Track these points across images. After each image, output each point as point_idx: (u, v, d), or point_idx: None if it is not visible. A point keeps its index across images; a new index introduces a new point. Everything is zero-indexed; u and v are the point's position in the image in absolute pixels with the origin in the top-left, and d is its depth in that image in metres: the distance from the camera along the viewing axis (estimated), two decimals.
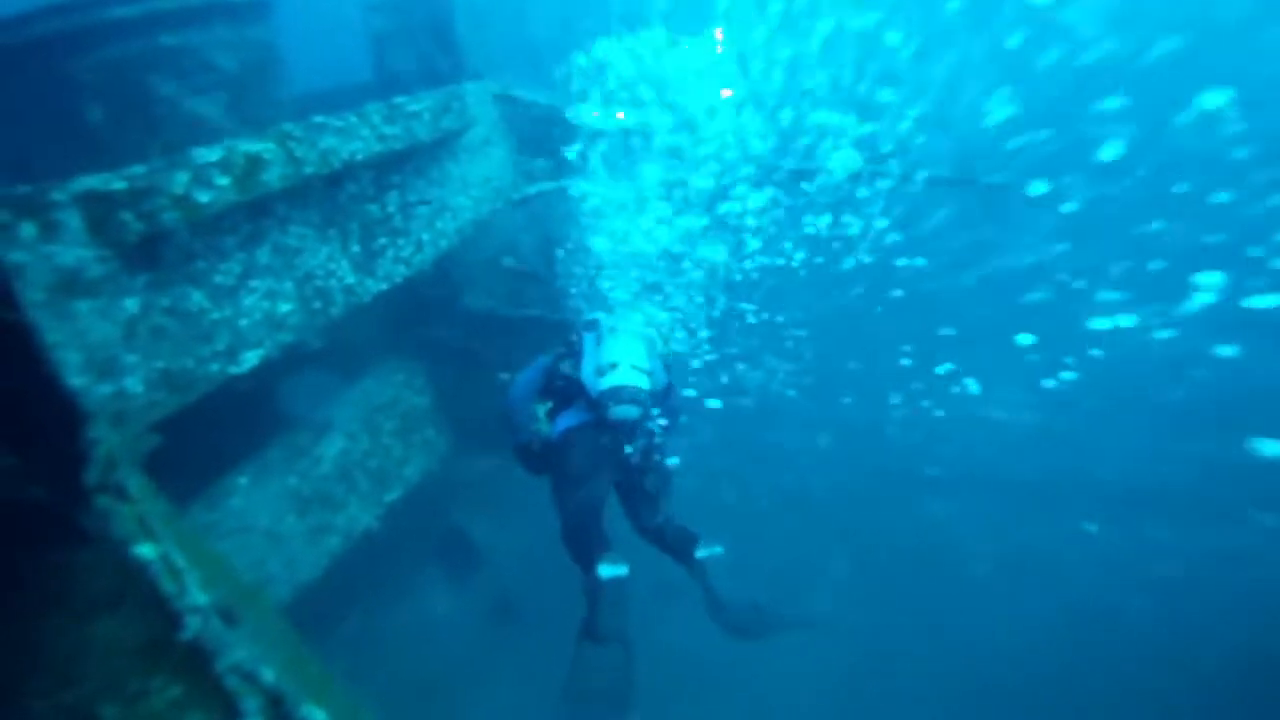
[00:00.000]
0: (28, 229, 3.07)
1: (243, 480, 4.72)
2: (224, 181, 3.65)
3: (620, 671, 4.07)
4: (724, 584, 4.44)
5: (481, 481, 6.71)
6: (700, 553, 4.24)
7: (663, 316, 5.54)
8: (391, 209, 4.90)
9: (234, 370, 4.09)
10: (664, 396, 4.70)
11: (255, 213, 4.03)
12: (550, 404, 4.74)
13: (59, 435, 3.08)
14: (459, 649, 6.84)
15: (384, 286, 4.95)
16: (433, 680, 6.57)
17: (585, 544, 4.18)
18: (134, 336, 3.59)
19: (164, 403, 3.80)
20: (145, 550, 2.33)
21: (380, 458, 5.49)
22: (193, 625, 2.15)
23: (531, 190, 5.93)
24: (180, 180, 3.47)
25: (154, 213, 3.41)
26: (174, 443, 4.39)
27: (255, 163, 3.78)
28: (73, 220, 3.21)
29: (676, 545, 4.37)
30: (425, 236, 5.16)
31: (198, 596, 2.10)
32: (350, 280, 4.71)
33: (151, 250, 3.55)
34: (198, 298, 3.85)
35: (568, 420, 4.51)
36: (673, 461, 4.67)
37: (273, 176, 3.88)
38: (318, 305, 4.51)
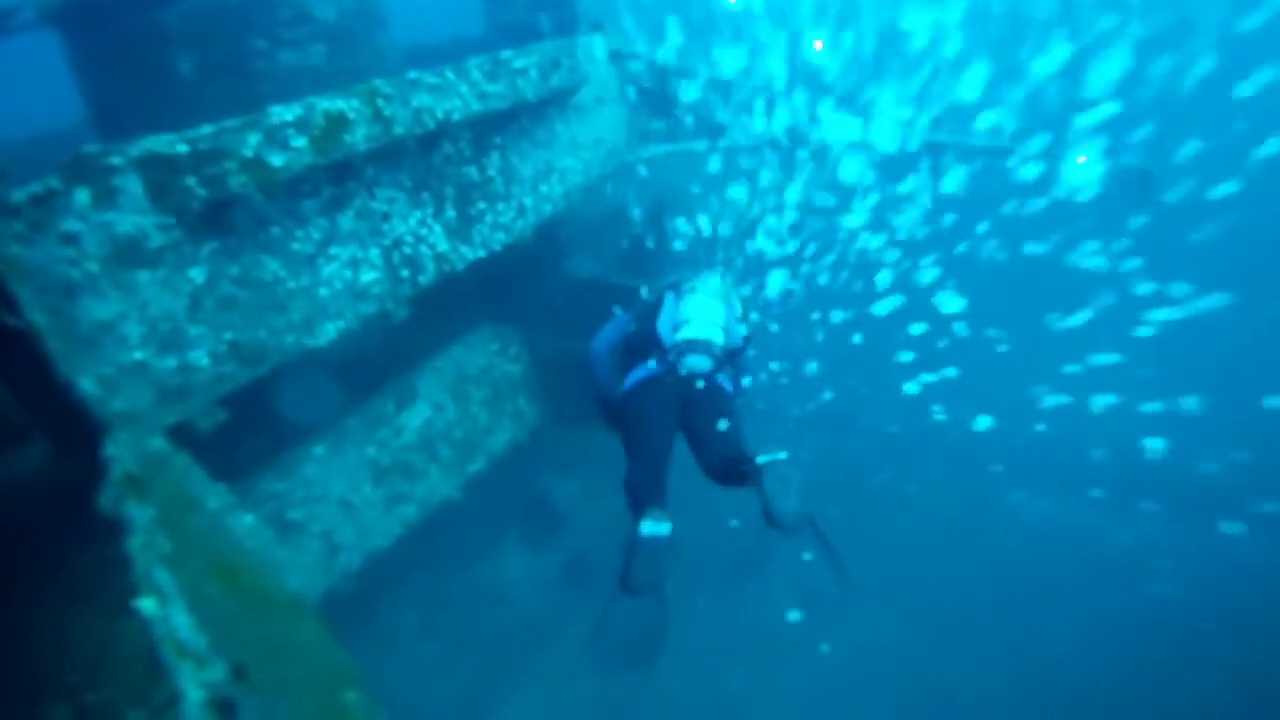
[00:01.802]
0: (82, 195, 2.80)
1: (319, 449, 4.51)
2: (301, 143, 3.28)
3: (652, 626, 4.23)
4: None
5: (570, 448, 6.42)
6: (762, 458, 3.95)
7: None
8: (492, 172, 4.47)
9: (310, 343, 3.82)
10: (738, 356, 4.69)
11: (339, 175, 3.67)
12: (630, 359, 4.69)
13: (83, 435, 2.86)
14: (529, 608, 6.75)
15: (481, 254, 4.57)
16: (498, 637, 6.52)
17: (640, 493, 4.12)
18: (199, 308, 3.33)
19: (233, 376, 3.56)
20: (147, 606, 2.01)
21: (466, 427, 5.20)
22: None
23: (647, 153, 5.34)
24: (251, 142, 3.12)
25: (221, 177, 3.08)
26: (251, 411, 4.25)
27: (338, 122, 3.39)
28: (132, 186, 2.92)
29: (739, 468, 4.09)
30: (529, 201, 4.71)
31: (193, 692, 1.77)
32: (443, 247, 4.33)
33: (219, 217, 3.25)
34: (272, 266, 3.56)
35: (641, 373, 4.48)
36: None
37: (358, 137, 3.49)
38: (406, 274, 4.17)
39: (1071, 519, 7.65)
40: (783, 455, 3.92)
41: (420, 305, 4.38)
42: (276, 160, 3.20)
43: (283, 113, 3.21)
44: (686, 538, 6.55)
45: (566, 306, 5.69)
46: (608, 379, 4.66)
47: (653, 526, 3.93)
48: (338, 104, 3.39)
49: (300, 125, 3.26)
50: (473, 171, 4.38)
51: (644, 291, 5.30)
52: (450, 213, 4.31)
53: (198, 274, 3.27)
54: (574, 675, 6.46)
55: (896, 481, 7.99)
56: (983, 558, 7.12)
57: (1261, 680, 5.66)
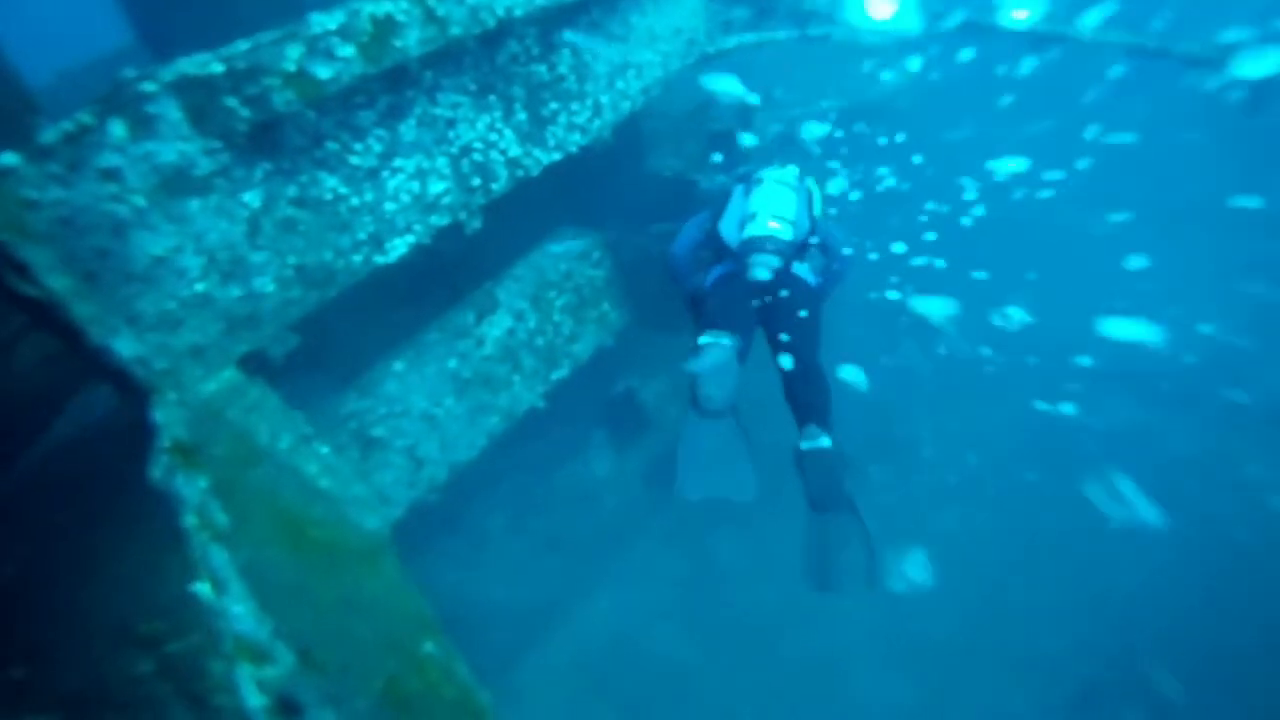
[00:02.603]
0: (117, 128, 2.65)
1: (398, 365, 4.44)
2: (348, 51, 3.01)
3: (735, 447, 4.00)
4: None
5: (655, 351, 6.22)
6: (805, 444, 3.86)
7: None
8: (563, 69, 4.09)
9: (381, 260, 3.68)
10: (820, 253, 4.51)
11: (395, 82, 3.39)
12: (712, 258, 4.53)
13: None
14: (615, 509, 6.81)
15: (556, 157, 4.26)
16: (585, 537, 6.63)
17: (703, 316, 4.13)
18: (259, 233, 3.20)
19: (301, 300, 3.46)
20: (202, 591, 1.95)
21: (549, 335, 5.03)
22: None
23: (730, 43, 4.77)
24: (292, 55, 2.88)
25: (264, 95, 2.88)
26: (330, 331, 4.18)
27: (386, 26, 3.09)
28: (170, 112, 2.75)
29: (802, 401, 4.02)
30: (605, 99, 4.32)
31: (253, 698, 1.70)
32: (515, 152, 4.04)
33: (269, 137, 3.05)
34: (332, 184, 3.37)
35: (718, 271, 4.34)
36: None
37: (410, 41, 3.19)
38: (477, 182, 3.92)
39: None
40: (826, 443, 3.83)
41: (496, 213, 4.14)
42: (323, 72, 2.95)
43: (324, 21, 2.93)
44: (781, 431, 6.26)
45: (650, 206, 5.33)
46: (689, 280, 4.46)
47: (711, 338, 3.92)
48: (384, 6, 3.08)
49: (345, 33, 2.98)
50: (542, 70, 4.01)
51: (720, 184, 4.89)
52: (521, 115, 3.99)
53: (253, 198, 3.12)
54: (655, 573, 6.52)
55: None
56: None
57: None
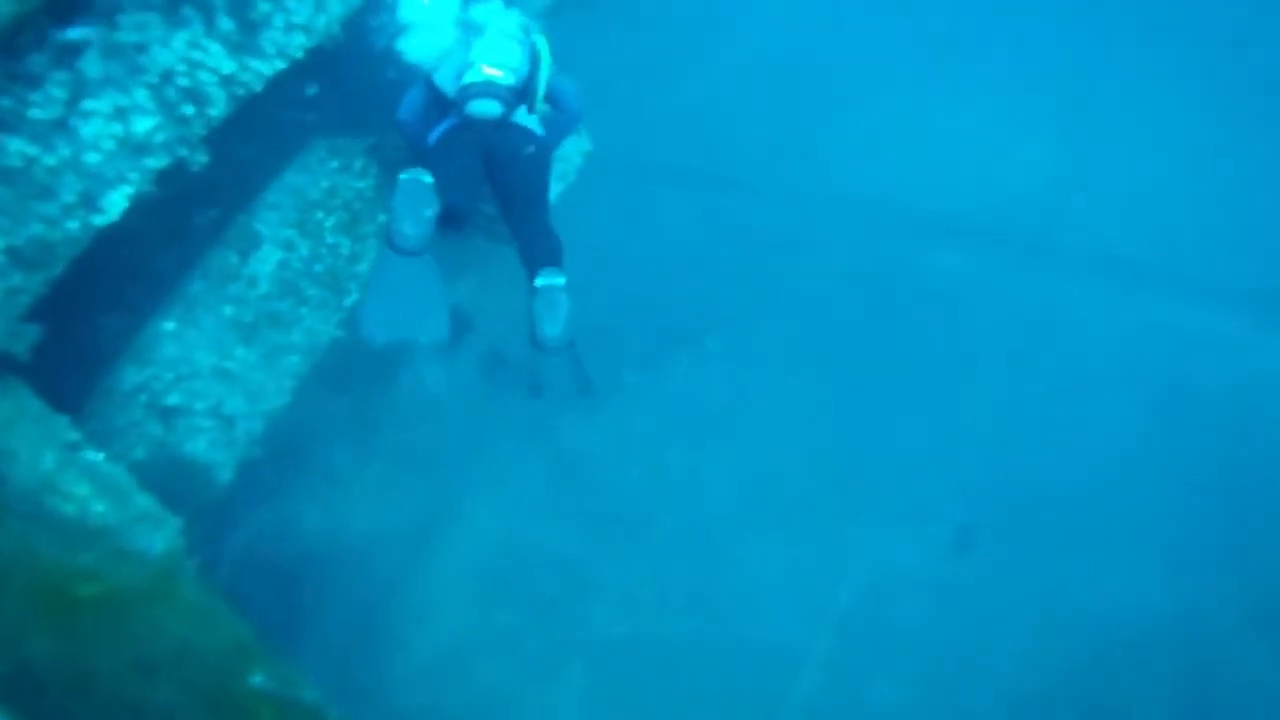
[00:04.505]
0: None
1: (169, 325, 4.05)
2: None
3: (430, 288, 4.24)
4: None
5: (455, 249, 6.01)
6: (540, 280, 4.18)
7: None
8: None
9: (101, 221, 3.27)
10: (548, 106, 4.50)
11: (59, 12, 2.88)
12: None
13: None
14: (458, 414, 6.72)
15: (281, 66, 3.85)
16: (436, 448, 6.53)
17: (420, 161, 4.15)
18: None
19: (26, 286, 3.05)
20: None
21: (328, 260, 4.72)
22: None
23: None
24: None
25: None
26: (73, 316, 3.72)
27: None
28: None
29: (535, 255, 4.29)
30: None
31: None
32: (229, 68, 3.62)
33: None
34: (16, 146, 2.92)
35: (442, 126, 4.30)
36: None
37: None
38: (190, 110, 3.50)
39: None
40: (560, 281, 4.10)
41: (230, 140, 3.75)
42: None
43: None
44: (608, 313, 6.33)
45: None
46: (420, 142, 4.40)
47: (411, 174, 3.99)
48: None
49: None
50: None
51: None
52: (225, 24, 3.55)
53: None
54: (518, 471, 6.54)
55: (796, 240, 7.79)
56: (902, 318, 7.13)
57: None
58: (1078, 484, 5.96)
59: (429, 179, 3.99)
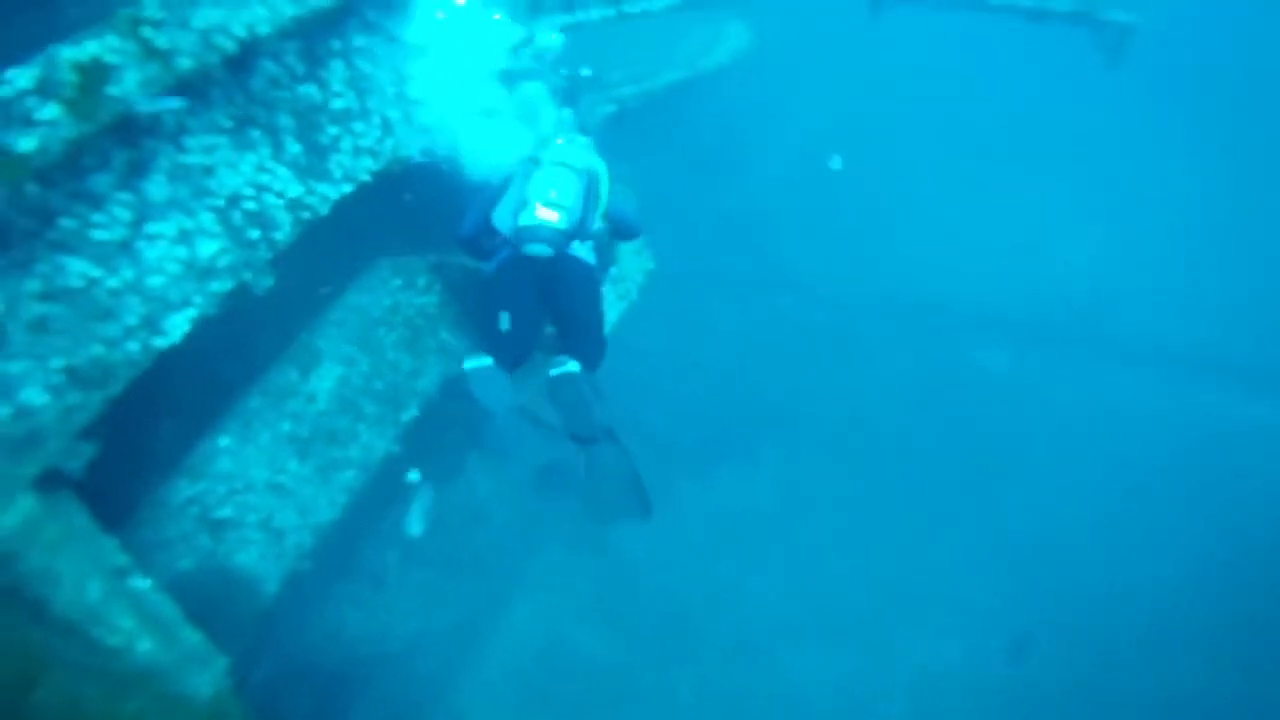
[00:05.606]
0: None
1: (225, 440, 3.99)
2: (52, 112, 2.55)
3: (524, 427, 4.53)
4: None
5: None
6: (551, 370, 4.16)
7: None
8: (337, 86, 3.70)
9: (161, 342, 3.22)
10: (606, 230, 4.57)
11: (125, 133, 2.92)
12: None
13: None
14: (507, 521, 6.63)
15: (347, 190, 3.88)
16: (483, 554, 6.48)
17: (491, 302, 4.21)
18: (8, 341, 2.71)
19: (84, 404, 2.99)
20: None
21: (387, 376, 4.66)
22: None
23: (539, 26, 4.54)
24: None
25: None
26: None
27: (95, 73, 2.64)
28: None
29: (562, 410, 4.19)
30: (393, 113, 3.95)
31: None
32: (295, 192, 3.65)
33: None
34: (79, 268, 2.90)
35: (500, 256, 4.33)
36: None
37: (130, 84, 2.75)
38: (256, 234, 3.51)
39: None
40: (574, 367, 4.07)
41: (296, 262, 3.76)
42: (25, 144, 2.49)
43: (14, 79, 2.47)
44: (660, 423, 6.23)
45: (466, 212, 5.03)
46: (482, 258, 4.47)
47: (475, 362, 4.07)
48: (89, 48, 2.63)
49: (43, 89, 2.52)
50: (312, 91, 3.62)
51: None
52: (293, 147, 3.59)
53: None
54: (565, 578, 6.39)
55: (845, 340, 7.72)
56: (946, 415, 7.00)
57: None
58: (1129, 586, 5.76)
59: (489, 361, 4.08)
